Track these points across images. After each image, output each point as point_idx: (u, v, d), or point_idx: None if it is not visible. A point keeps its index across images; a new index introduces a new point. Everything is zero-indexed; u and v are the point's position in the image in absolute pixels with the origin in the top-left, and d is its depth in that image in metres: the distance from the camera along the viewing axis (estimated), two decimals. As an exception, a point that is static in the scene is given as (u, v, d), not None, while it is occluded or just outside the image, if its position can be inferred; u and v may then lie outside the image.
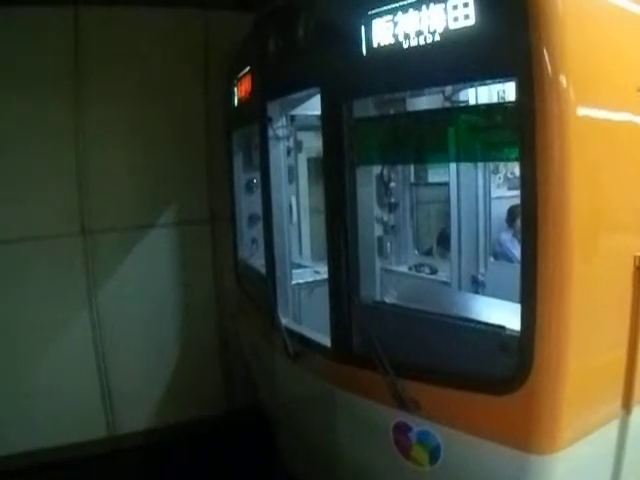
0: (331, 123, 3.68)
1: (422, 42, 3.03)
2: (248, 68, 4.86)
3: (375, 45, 3.28)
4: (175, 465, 6.16)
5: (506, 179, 6.02)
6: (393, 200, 5.12)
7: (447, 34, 2.91)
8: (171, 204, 6.89)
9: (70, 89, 6.22)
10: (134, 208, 6.70)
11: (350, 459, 3.89)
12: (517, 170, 3.14)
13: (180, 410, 6.89)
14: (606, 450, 3.05)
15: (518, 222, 5.29)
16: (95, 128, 6.35)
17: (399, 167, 5.23)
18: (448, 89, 4.16)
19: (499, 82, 3.50)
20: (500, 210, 5.81)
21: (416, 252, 5.73)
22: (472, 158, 3.88)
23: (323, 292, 4.61)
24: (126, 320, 6.67)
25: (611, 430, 3.03)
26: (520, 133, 2.71)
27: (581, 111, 2.63)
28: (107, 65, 6.30)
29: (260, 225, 5.66)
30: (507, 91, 3.72)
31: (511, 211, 5.98)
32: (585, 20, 2.71)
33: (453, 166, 4.82)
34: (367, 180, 3.85)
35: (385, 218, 4.99)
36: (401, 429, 3.40)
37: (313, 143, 5.56)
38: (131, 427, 6.75)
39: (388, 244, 5.08)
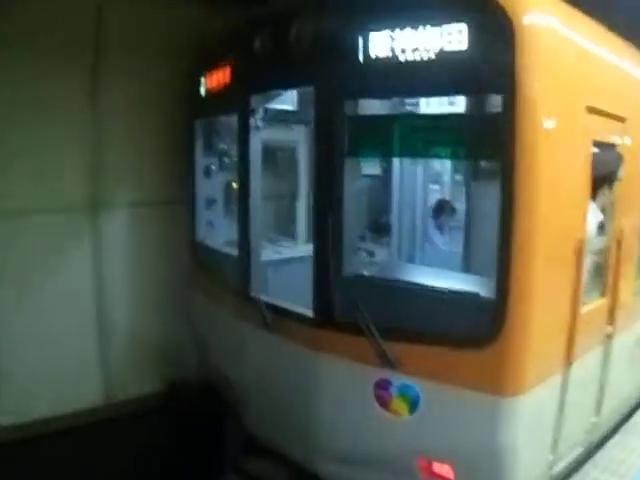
0: (323, 121, 4.15)
1: (417, 58, 3.60)
2: (228, 60, 5.04)
3: (373, 56, 3.78)
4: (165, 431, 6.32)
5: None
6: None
7: (441, 55, 3.50)
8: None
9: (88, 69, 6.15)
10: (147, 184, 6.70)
11: (329, 418, 4.28)
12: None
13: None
14: (555, 393, 3.82)
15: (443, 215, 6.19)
16: (110, 104, 6.29)
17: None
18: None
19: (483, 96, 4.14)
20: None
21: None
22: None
23: (290, 269, 5.09)
24: (128, 287, 6.71)
25: (558, 378, 3.81)
26: (503, 136, 3.36)
27: (546, 122, 3.37)
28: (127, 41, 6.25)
29: (216, 208, 6.07)
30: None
31: (438, 204, 6.65)
32: (554, 52, 3.48)
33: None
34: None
35: None
36: (382, 385, 3.93)
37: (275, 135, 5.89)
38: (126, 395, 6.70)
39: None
